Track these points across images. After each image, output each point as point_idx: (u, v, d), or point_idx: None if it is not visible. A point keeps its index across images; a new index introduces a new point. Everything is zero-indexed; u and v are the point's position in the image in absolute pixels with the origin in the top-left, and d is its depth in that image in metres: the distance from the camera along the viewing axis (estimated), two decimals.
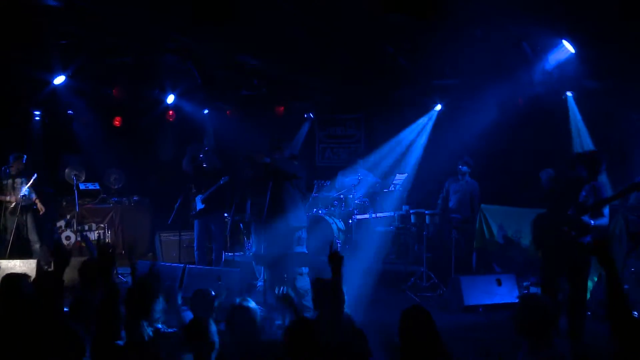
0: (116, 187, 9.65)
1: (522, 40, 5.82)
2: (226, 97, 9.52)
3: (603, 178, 6.11)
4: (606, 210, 5.16)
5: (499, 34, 5.82)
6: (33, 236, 8.47)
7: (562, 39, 5.62)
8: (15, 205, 8.24)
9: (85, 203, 9.97)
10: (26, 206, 8.37)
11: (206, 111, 11.13)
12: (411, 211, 8.25)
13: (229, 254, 8.74)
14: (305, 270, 6.21)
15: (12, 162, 8.29)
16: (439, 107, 9.76)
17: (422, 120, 9.69)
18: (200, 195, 8.29)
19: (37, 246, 8.44)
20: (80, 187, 10.03)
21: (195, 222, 8.42)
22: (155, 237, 9.48)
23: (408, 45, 6.16)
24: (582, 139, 8.17)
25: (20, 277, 4.66)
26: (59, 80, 7.73)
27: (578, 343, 5.19)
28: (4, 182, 8.28)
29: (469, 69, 7.52)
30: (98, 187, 10.25)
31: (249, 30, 6.39)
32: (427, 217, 7.98)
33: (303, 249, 6.30)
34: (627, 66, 6.01)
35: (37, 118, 10.06)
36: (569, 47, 5.70)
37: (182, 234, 9.29)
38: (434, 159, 9.28)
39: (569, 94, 8.15)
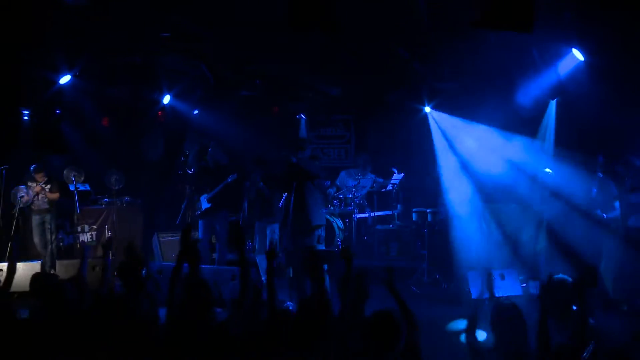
0: (117, 188, 9.52)
1: (532, 47, 6.18)
2: (226, 98, 9.54)
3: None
4: (617, 204, 5.60)
5: (510, 40, 6.12)
6: (52, 237, 8.53)
7: (571, 47, 6.00)
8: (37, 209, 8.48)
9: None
10: (45, 209, 8.55)
11: (196, 111, 11.15)
12: (413, 210, 8.54)
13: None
14: (324, 267, 6.39)
15: (34, 174, 8.48)
16: (428, 109, 10.12)
17: (419, 122, 9.95)
18: (205, 195, 8.31)
19: (50, 248, 8.46)
20: (71, 189, 9.93)
21: (200, 222, 8.43)
22: (153, 238, 9.41)
23: (424, 51, 6.42)
24: (547, 142, 8.67)
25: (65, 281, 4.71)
26: (65, 79, 7.62)
27: None
28: (30, 183, 8.45)
29: (470, 72, 7.87)
30: (89, 189, 10.09)
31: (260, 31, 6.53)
32: (428, 215, 8.30)
33: (322, 246, 6.48)
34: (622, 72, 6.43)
35: (26, 117, 9.85)
36: (578, 55, 6.10)
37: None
38: (428, 159, 9.65)
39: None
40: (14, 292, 6.39)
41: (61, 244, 9.48)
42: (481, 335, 3.87)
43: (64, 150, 10.87)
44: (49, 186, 8.56)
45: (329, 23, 3.77)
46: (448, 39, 6.12)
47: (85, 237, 9.75)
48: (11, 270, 5.17)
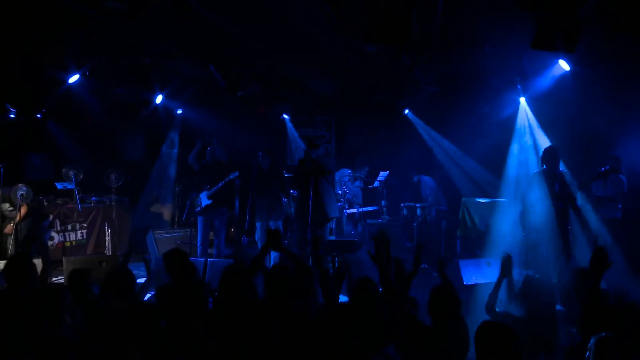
0: (116, 186, 9.63)
1: (524, 58, 6.91)
2: (225, 98, 9.84)
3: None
4: (578, 196, 6.49)
5: (503, 50, 6.83)
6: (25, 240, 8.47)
7: (558, 58, 6.77)
8: None
9: (66, 203, 9.85)
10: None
11: (180, 111, 11.40)
12: (403, 204, 9.17)
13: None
14: (329, 257, 6.87)
15: None
16: (406, 111, 10.84)
17: (398, 123, 10.63)
18: (205, 192, 8.58)
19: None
20: (58, 187, 9.97)
21: (199, 218, 8.69)
22: (148, 235, 9.58)
23: (425, 58, 7.01)
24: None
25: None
26: (74, 79, 7.73)
27: None
28: None
29: (455, 78, 8.58)
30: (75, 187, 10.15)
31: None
32: (417, 209, 8.95)
33: (332, 237, 6.97)
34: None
35: (13, 116, 9.81)
36: (564, 65, 6.87)
37: (177, 231, 9.65)
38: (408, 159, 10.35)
39: (522, 99, 9.43)
40: None
41: (51, 242, 9.52)
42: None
43: (44, 149, 10.95)
44: (10, 208, 8.38)
45: (403, 37, 4.26)
46: (450, 48, 6.73)
47: (75, 236, 9.83)
48: (46, 264, 5.41)
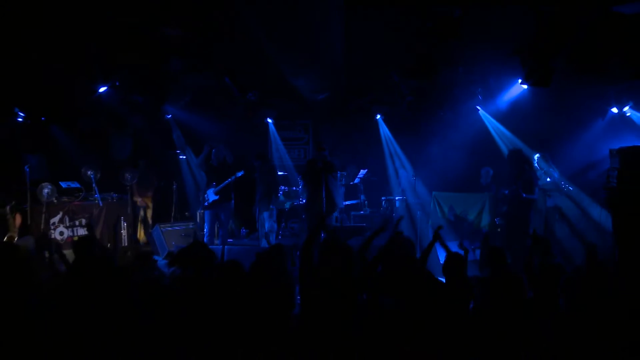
0: (129, 184, 10.48)
1: (490, 78, 8.48)
2: (217, 104, 10.87)
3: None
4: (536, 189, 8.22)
5: (473, 72, 8.37)
6: None
7: (518, 78, 8.36)
8: None
9: (72, 200, 10.60)
10: None
11: (169, 116, 12.34)
12: (384, 197, 10.60)
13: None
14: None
15: None
16: (378, 116, 12.33)
17: (370, 127, 12.10)
18: (212, 189, 9.67)
19: None
20: (63, 186, 10.71)
21: (206, 212, 9.78)
22: (155, 229, 10.51)
23: (412, 76, 8.41)
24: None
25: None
26: (103, 89, 8.56)
27: None
28: None
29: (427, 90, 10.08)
30: (79, 186, 10.89)
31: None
32: (396, 202, 10.40)
33: (337, 224, 8.28)
34: None
35: (20, 119, 10.47)
36: (523, 84, 8.50)
37: (180, 224, 10.67)
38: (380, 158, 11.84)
39: (478, 107, 11.10)
40: None
41: (61, 236, 10.26)
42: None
43: (41, 151, 11.59)
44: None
45: (430, 74, 5.60)
46: (433, 68, 8.15)
47: (84, 231, 10.60)
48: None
